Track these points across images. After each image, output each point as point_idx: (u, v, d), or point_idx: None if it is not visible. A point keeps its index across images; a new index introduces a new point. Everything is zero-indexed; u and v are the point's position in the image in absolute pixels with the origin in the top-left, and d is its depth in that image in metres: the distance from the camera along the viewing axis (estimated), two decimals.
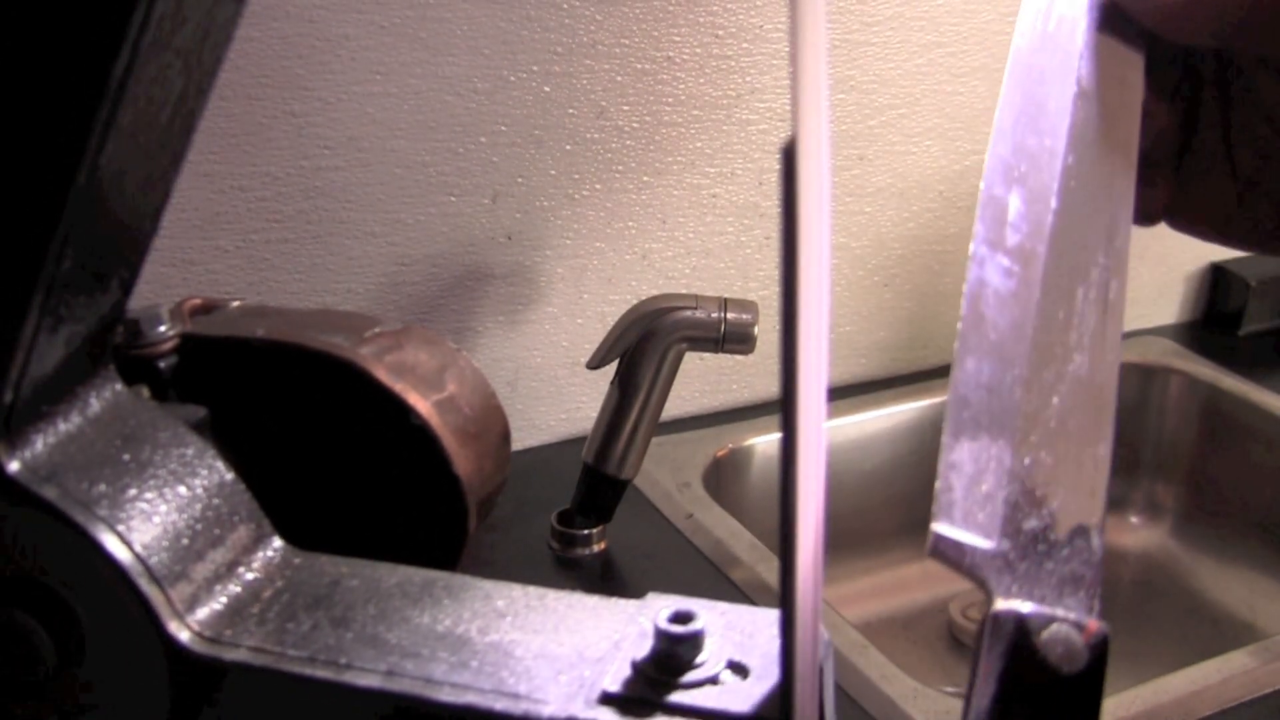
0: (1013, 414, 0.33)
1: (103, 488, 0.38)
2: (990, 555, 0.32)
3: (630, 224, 0.86)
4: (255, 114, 0.73)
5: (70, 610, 0.38)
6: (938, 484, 0.33)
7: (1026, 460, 0.33)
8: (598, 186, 0.84)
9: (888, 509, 0.97)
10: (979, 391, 0.34)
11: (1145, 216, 0.43)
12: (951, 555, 0.32)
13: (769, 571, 0.75)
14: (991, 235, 0.36)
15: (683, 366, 0.73)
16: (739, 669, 0.36)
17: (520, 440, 0.84)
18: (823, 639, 0.34)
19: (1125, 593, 1.01)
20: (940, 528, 0.32)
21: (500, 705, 0.35)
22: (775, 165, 0.89)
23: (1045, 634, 0.31)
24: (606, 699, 0.35)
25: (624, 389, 0.73)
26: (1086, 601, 0.31)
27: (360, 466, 0.54)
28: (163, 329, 0.54)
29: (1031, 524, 0.32)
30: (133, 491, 0.39)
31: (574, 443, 0.86)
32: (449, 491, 0.54)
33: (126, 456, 0.40)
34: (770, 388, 0.96)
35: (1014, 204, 0.37)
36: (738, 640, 0.36)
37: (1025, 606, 0.31)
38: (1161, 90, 0.42)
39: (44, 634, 0.38)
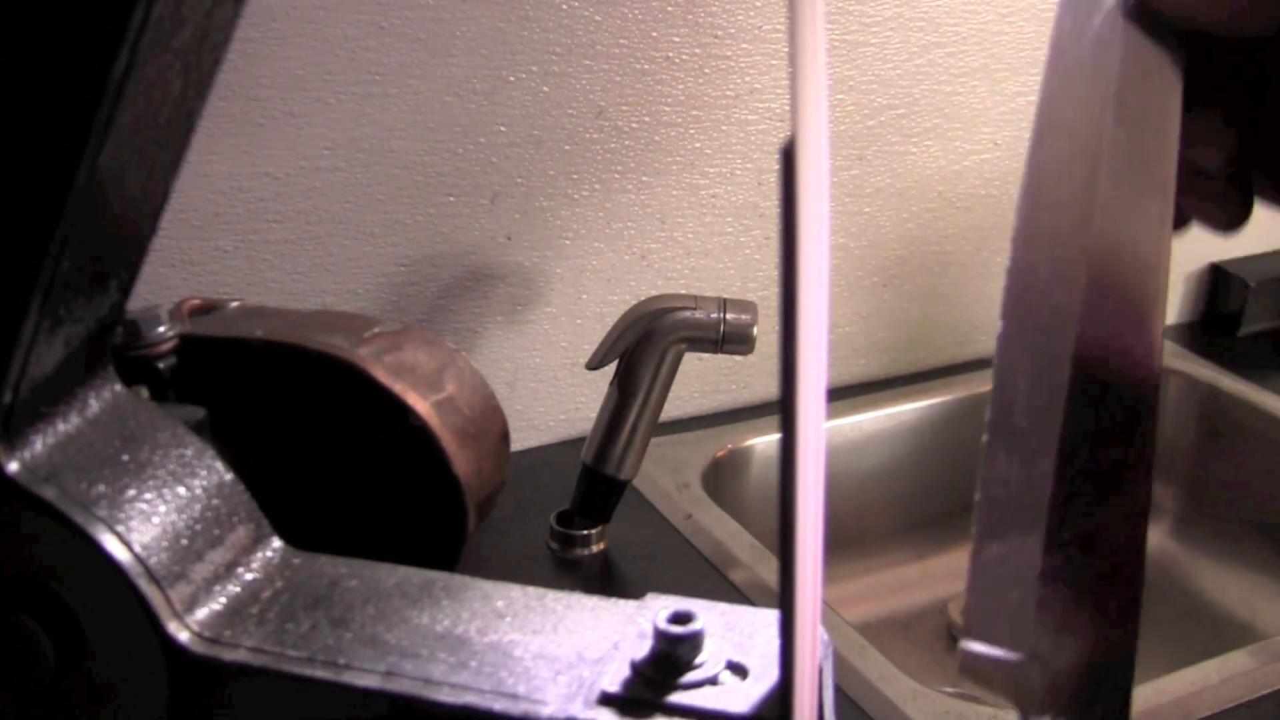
0: (1040, 515, 0.31)
1: (102, 488, 0.38)
2: (1018, 666, 0.30)
3: (629, 224, 0.86)
4: (254, 115, 0.73)
5: (70, 611, 0.38)
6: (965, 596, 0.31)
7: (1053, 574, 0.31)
8: (597, 187, 0.84)
9: (887, 509, 0.97)
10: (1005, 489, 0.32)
11: (1229, 227, 0.40)
12: (983, 671, 0.30)
13: (768, 572, 0.75)
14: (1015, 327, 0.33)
15: (682, 367, 0.73)
16: (738, 669, 0.36)
17: (519, 441, 0.84)
18: (822, 639, 0.34)
19: None
20: (970, 645, 0.31)
21: (499, 706, 0.35)
22: (774, 165, 0.89)
23: None
24: (605, 699, 0.35)
25: (623, 389, 0.73)
26: None
27: (359, 467, 0.54)
28: (162, 330, 0.54)
29: (1064, 656, 0.30)
30: (132, 492, 0.39)
31: (573, 443, 0.86)
32: (448, 492, 0.54)
33: (125, 457, 0.40)
34: (769, 388, 0.96)
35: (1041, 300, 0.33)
36: (737, 641, 0.36)
37: None
38: (1219, 105, 0.37)
39: (43, 635, 0.38)
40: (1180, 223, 0.41)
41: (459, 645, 0.38)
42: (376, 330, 0.56)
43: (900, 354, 1.01)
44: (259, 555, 0.42)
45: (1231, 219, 0.39)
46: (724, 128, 0.86)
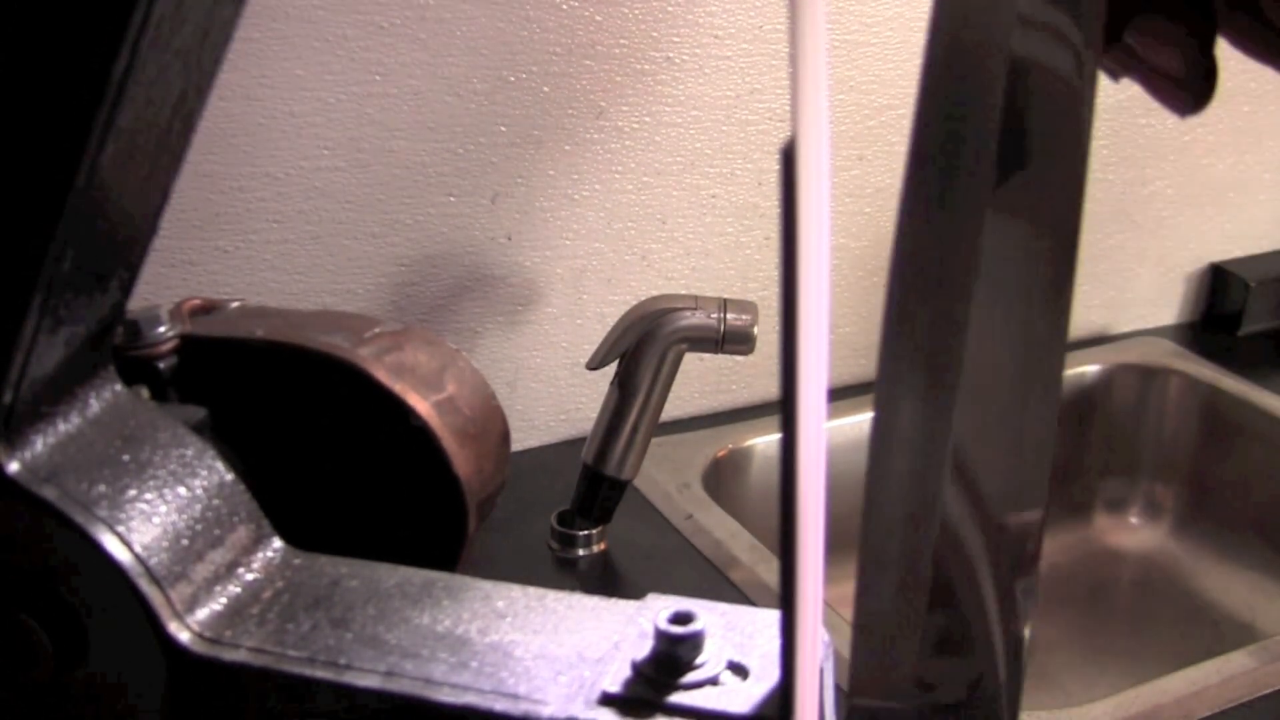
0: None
1: (102, 488, 0.38)
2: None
3: (630, 225, 0.86)
4: (255, 114, 0.73)
5: (70, 611, 0.38)
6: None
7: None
8: (597, 187, 0.84)
9: None
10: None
11: (1195, 110, 0.39)
12: None
13: (769, 572, 0.75)
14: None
15: (682, 367, 0.73)
16: (739, 670, 0.36)
17: (520, 441, 0.84)
18: (823, 640, 0.34)
19: (1125, 593, 1.01)
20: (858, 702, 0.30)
21: (500, 706, 0.35)
22: (775, 166, 0.89)
23: None
24: (606, 700, 0.35)
25: (624, 390, 0.73)
26: None
27: (360, 467, 0.54)
28: (162, 330, 0.54)
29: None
30: (132, 492, 0.39)
31: (574, 443, 0.86)
32: (448, 492, 0.53)
33: (126, 457, 0.40)
34: (770, 388, 0.96)
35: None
36: (738, 641, 0.36)
37: None
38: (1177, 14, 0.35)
39: (44, 635, 0.38)
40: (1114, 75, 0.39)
41: (460, 645, 0.38)
42: (377, 330, 0.56)
43: None
44: (259, 555, 0.42)
45: (1198, 102, 0.38)
46: (724, 128, 0.86)
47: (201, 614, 0.38)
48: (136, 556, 0.37)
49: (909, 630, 0.29)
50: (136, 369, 0.53)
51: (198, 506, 0.40)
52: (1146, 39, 0.36)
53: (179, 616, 0.38)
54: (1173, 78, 0.36)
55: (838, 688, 0.37)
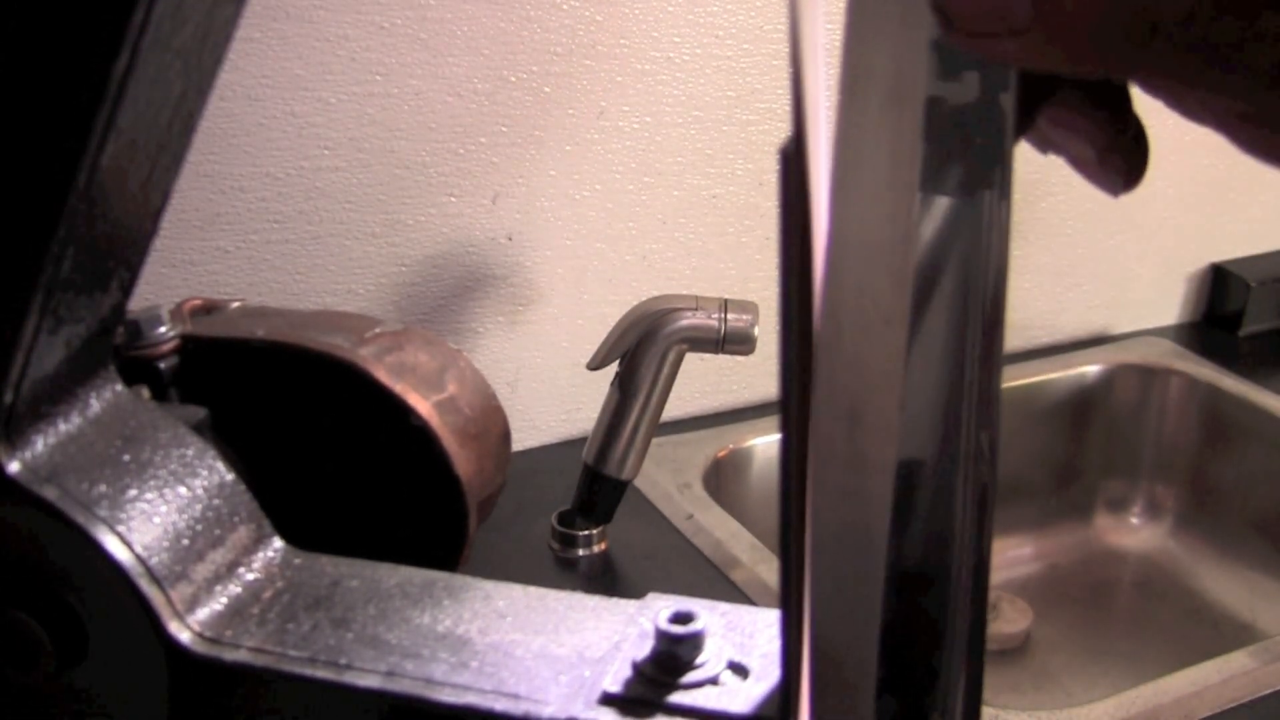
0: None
1: (103, 488, 0.38)
2: None
3: (630, 225, 0.86)
4: (255, 115, 0.73)
5: (71, 611, 0.38)
6: None
7: None
8: (598, 187, 0.84)
9: None
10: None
11: (1128, 188, 0.39)
12: None
13: (769, 572, 0.75)
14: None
15: (683, 367, 0.73)
16: (739, 669, 0.36)
17: (521, 441, 0.84)
18: None
19: (1125, 593, 1.01)
20: None
21: (500, 706, 0.35)
22: (775, 166, 0.89)
23: None
24: (607, 699, 0.35)
25: (624, 390, 0.73)
26: None
27: (360, 467, 0.54)
28: (163, 330, 0.54)
29: None
30: (133, 492, 0.39)
31: (574, 443, 0.86)
32: (449, 492, 0.53)
33: (127, 457, 0.40)
34: (770, 388, 0.96)
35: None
36: (738, 641, 0.36)
37: None
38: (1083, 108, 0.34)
39: (45, 635, 0.38)
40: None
41: (460, 645, 0.38)
42: (378, 330, 0.56)
43: None
44: (260, 555, 0.42)
45: (1128, 180, 0.38)
46: (725, 128, 0.86)
47: (202, 614, 0.38)
48: (137, 556, 0.37)
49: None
50: (137, 369, 0.53)
51: (198, 506, 0.40)
52: (1056, 130, 0.35)
53: (179, 616, 0.38)
54: (1095, 167, 0.36)
55: None
